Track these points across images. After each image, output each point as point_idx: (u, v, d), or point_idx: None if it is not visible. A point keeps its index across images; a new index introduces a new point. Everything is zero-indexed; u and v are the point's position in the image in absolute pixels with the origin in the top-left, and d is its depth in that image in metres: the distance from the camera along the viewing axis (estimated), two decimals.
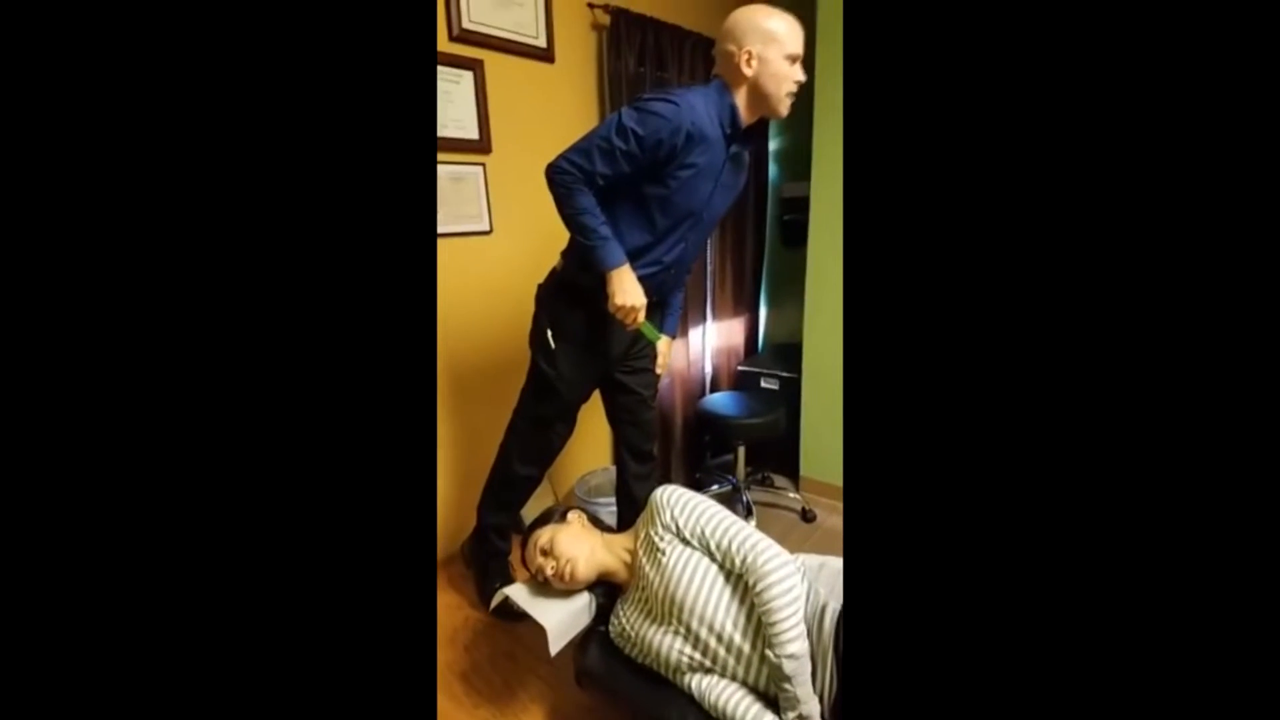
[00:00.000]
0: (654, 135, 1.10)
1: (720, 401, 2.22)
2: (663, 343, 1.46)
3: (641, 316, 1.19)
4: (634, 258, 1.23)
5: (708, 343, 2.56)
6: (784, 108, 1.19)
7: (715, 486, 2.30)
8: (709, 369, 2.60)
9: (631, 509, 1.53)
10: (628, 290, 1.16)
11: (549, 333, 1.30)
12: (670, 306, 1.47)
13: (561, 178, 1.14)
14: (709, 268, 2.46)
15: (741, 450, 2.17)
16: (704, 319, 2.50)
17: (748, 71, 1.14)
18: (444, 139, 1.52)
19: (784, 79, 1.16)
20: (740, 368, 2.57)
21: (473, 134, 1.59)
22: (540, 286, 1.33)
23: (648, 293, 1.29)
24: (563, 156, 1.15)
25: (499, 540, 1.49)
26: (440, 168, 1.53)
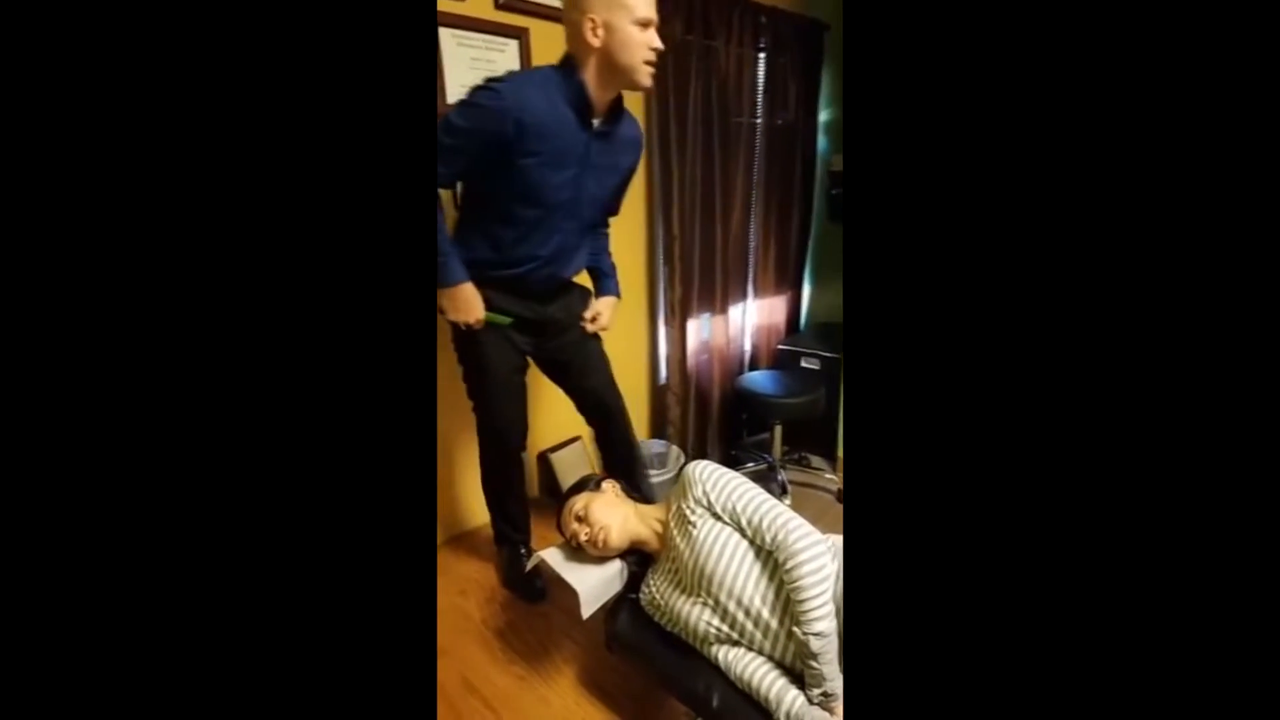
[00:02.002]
0: (477, 128, 1.06)
1: (758, 380, 2.20)
2: (604, 303, 1.40)
3: (478, 321, 1.21)
4: (506, 259, 1.20)
5: (748, 320, 2.53)
6: (644, 78, 1.10)
7: (750, 464, 2.30)
8: (748, 347, 2.57)
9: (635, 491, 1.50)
10: (459, 308, 1.19)
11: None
12: (603, 269, 1.43)
13: None
14: (751, 243, 2.42)
15: (778, 429, 2.15)
16: (744, 296, 2.47)
17: (594, 42, 1.06)
18: None
19: (636, 47, 1.06)
20: (780, 346, 2.53)
21: None
22: None
23: (534, 290, 1.26)
24: None
25: (505, 526, 1.51)
26: None
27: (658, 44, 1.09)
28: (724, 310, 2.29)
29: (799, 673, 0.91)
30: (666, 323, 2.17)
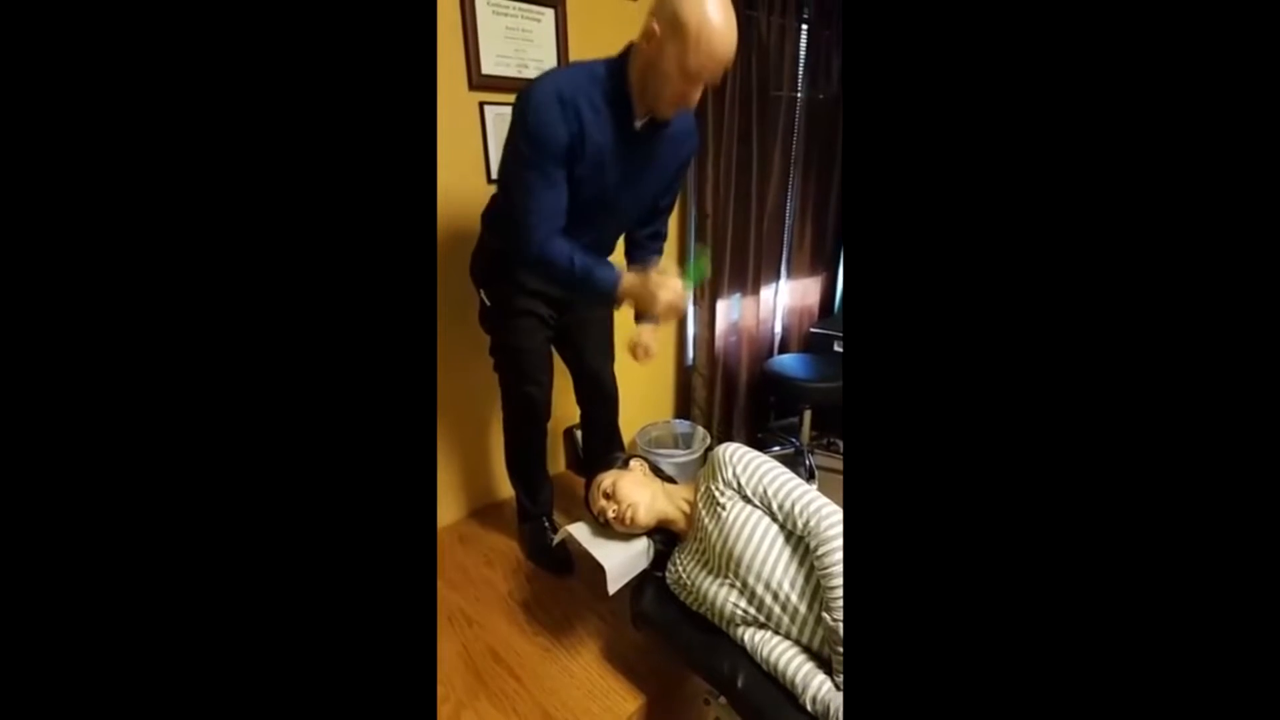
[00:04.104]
0: (554, 151, 1.00)
1: (789, 363, 2.17)
2: (648, 331, 1.31)
3: (683, 301, 1.09)
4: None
5: (780, 302, 2.48)
6: (664, 111, 1.02)
7: (777, 448, 2.27)
8: (779, 329, 2.53)
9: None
10: (646, 299, 1.07)
11: (489, 301, 1.27)
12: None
13: (536, 252, 1.06)
14: (787, 223, 2.36)
15: (808, 413, 2.12)
16: (777, 276, 2.42)
17: (643, 47, 0.96)
18: (523, 81, 1.50)
19: (670, 84, 0.96)
20: (813, 329, 2.49)
21: None
22: (471, 259, 1.28)
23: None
24: (526, 235, 1.05)
25: (530, 501, 1.52)
26: None
27: (690, 101, 1.00)
28: (756, 291, 2.25)
29: (826, 658, 0.90)
30: (695, 302, 2.14)
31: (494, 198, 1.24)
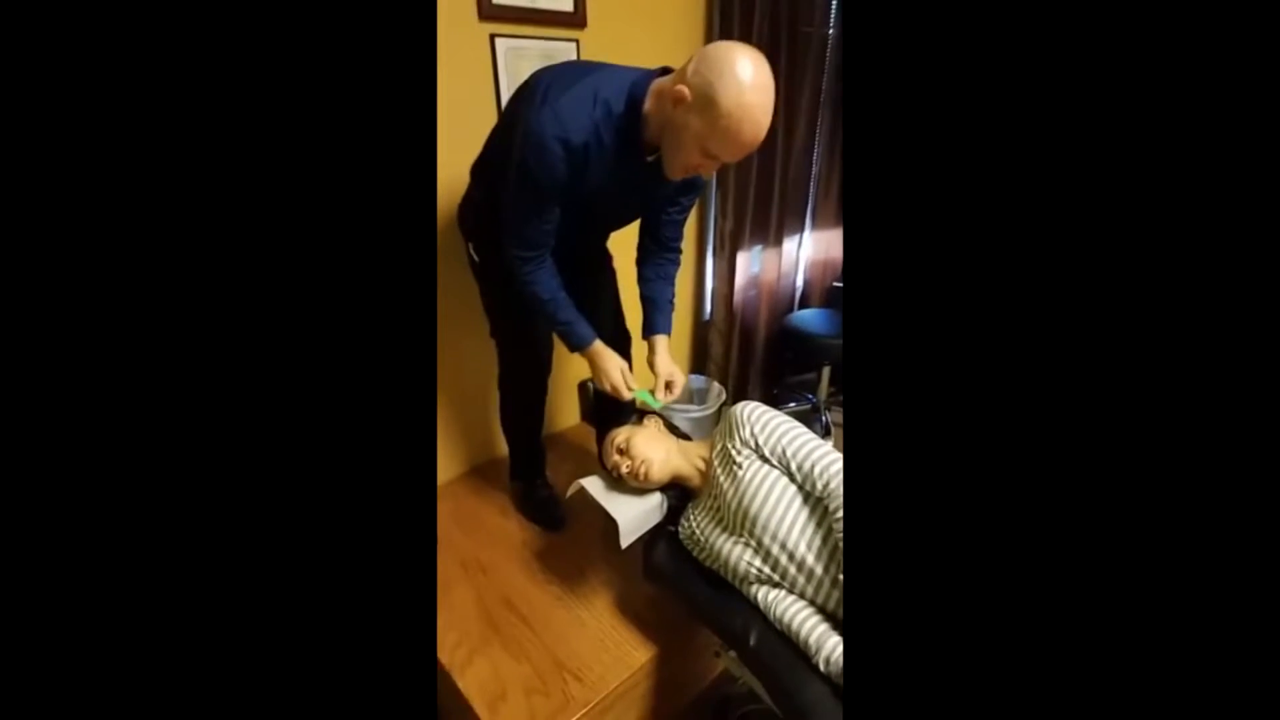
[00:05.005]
0: (552, 186, 0.96)
1: (809, 319, 2.11)
2: (661, 349, 1.24)
3: (627, 393, 1.15)
4: None
5: (802, 254, 2.39)
6: (675, 173, 0.96)
7: (793, 404, 2.24)
8: (800, 283, 2.45)
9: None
10: (600, 370, 1.15)
11: (476, 257, 1.21)
12: (657, 300, 1.27)
13: (520, 273, 1.06)
14: (813, 169, 2.24)
15: (826, 370, 2.08)
16: (801, 227, 2.32)
17: (668, 105, 0.88)
18: (536, 11, 1.40)
19: (685, 153, 0.90)
20: (836, 284, 2.41)
21: (566, 5, 1.45)
22: (459, 210, 1.21)
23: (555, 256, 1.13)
24: (511, 253, 1.05)
25: (525, 462, 1.49)
26: (531, 44, 1.43)
27: (705, 174, 0.99)
28: (778, 243, 2.17)
29: (840, 620, 0.89)
30: (715, 254, 2.07)
31: (489, 142, 1.16)
